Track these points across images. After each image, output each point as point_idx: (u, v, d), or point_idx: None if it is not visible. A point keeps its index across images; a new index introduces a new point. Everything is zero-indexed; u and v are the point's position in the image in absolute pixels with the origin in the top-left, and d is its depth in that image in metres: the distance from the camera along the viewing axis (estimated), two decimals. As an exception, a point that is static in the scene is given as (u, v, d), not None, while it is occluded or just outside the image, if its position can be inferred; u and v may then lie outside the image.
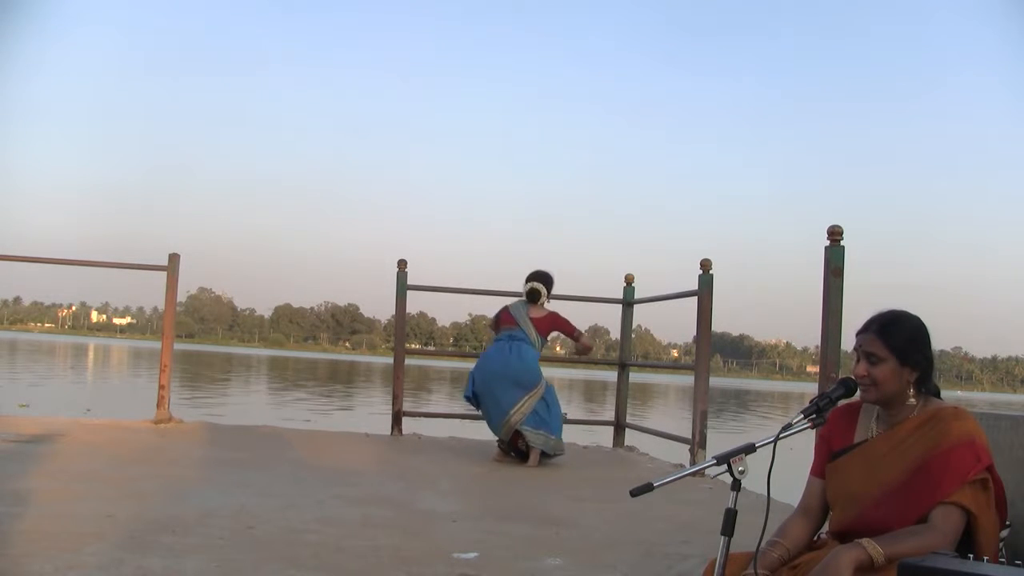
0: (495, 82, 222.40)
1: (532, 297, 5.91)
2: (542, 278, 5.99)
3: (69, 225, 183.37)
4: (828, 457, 2.15)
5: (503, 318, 5.93)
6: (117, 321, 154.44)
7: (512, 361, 5.69)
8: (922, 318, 2.09)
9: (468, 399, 5.89)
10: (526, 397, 5.64)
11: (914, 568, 1.58)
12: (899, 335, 2.02)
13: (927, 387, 2.06)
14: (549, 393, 5.77)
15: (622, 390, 7.49)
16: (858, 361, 2.04)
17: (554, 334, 6.13)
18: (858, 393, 2.06)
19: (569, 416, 6.36)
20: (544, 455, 5.71)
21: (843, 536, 2.05)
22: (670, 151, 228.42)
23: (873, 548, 1.81)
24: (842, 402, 2.11)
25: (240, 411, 14.52)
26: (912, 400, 2.04)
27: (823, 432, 2.19)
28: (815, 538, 2.16)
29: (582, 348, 6.25)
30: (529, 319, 5.84)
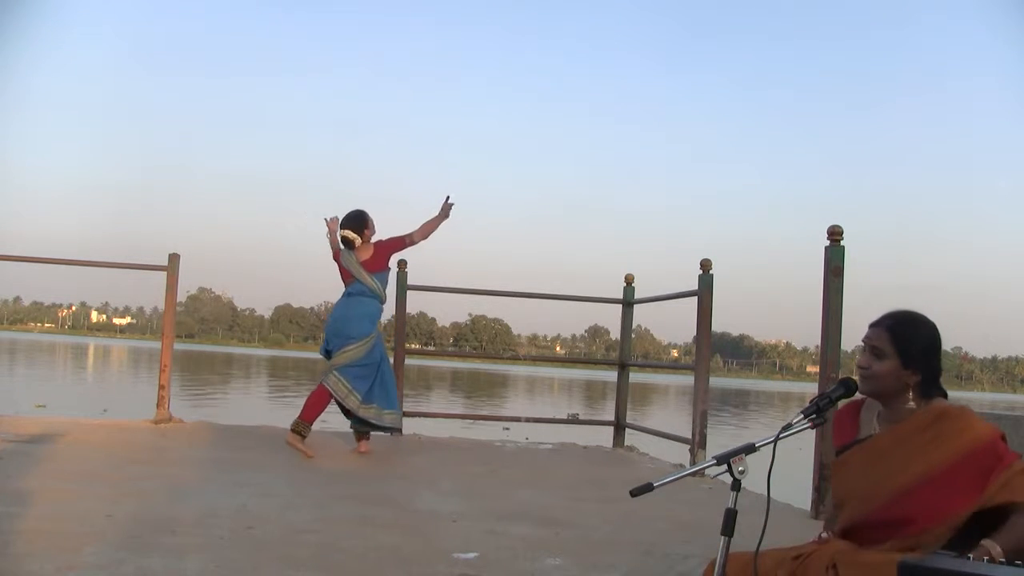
0: (495, 82, 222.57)
1: (348, 244, 5.81)
2: (350, 222, 5.81)
3: (69, 225, 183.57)
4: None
5: (343, 273, 5.86)
6: (117, 321, 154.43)
7: (348, 314, 5.73)
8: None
9: (324, 354, 5.89)
10: (352, 346, 5.67)
11: (914, 568, 1.58)
12: (909, 337, 2.02)
13: (931, 392, 2.04)
14: (384, 363, 5.79)
15: (622, 390, 7.49)
16: (863, 352, 2.05)
17: (398, 257, 6.01)
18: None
19: (579, 416, 6.29)
20: (384, 428, 5.81)
21: (852, 532, 2.03)
22: (670, 151, 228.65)
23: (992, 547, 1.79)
24: (842, 402, 2.11)
25: (240, 411, 14.52)
26: (912, 404, 2.02)
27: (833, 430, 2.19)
28: (818, 536, 2.15)
29: (424, 235, 5.90)
30: (360, 266, 5.77)
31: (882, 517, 1.98)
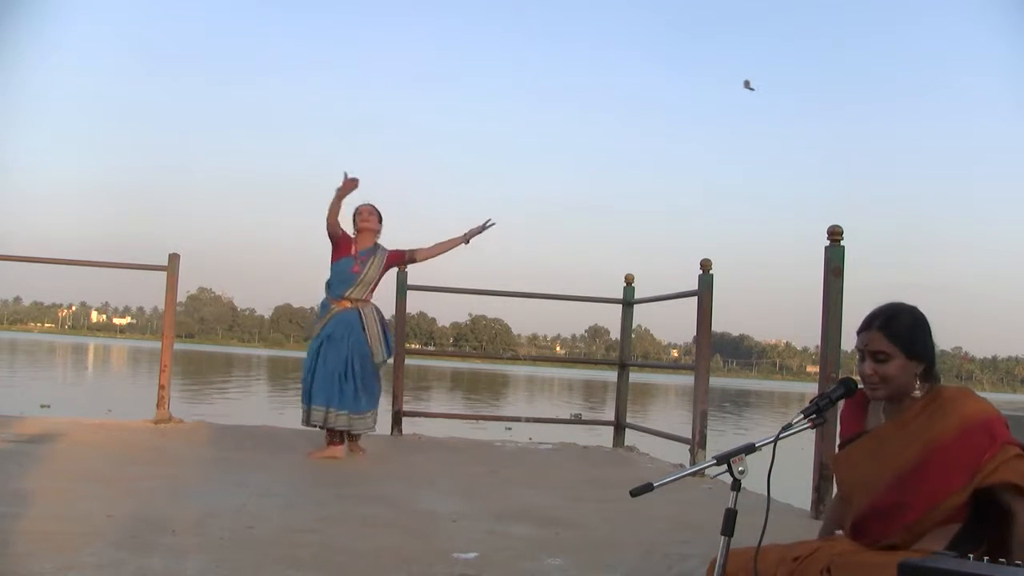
0: (495, 82, 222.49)
1: None
2: None
3: (69, 225, 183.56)
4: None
5: None
6: (117, 321, 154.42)
7: None
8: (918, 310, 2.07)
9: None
10: None
11: (914, 568, 1.57)
12: (902, 328, 2.00)
13: (931, 376, 2.03)
14: (321, 361, 5.55)
15: (622, 390, 7.48)
16: (863, 360, 2.02)
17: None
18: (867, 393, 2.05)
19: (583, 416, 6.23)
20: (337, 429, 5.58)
21: (859, 525, 2.02)
22: (670, 152, 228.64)
23: None
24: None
25: (240, 411, 14.53)
26: (918, 392, 2.02)
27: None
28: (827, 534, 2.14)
29: (430, 255, 5.88)
30: None
31: (884, 503, 1.97)
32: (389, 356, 5.86)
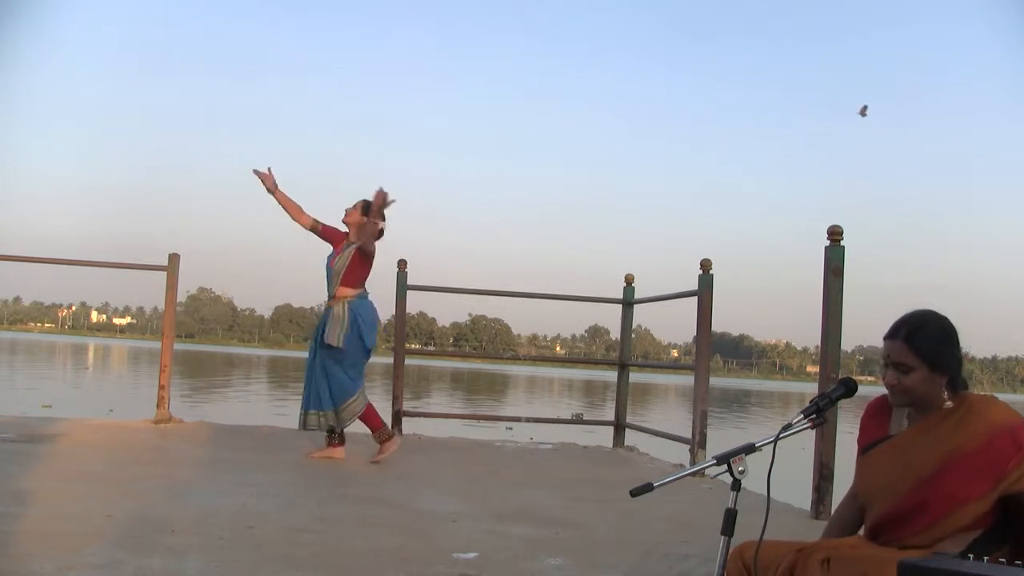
0: (495, 83, 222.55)
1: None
2: None
3: (69, 225, 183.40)
4: (861, 452, 2.12)
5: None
6: (117, 321, 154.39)
7: None
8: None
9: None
10: None
11: (914, 568, 1.58)
12: (928, 342, 1.96)
13: (958, 385, 2.00)
14: (314, 365, 5.54)
15: (622, 390, 7.49)
16: (887, 368, 2.00)
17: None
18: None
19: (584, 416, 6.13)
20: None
21: (878, 529, 2.01)
22: (670, 151, 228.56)
23: None
24: (871, 399, 2.09)
25: (240, 411, 14.53)
26: (949, 403, 1.99)
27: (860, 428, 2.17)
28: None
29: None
30: None
31: (905, 507, 1.96)
32: (356, 348, 5.42)
